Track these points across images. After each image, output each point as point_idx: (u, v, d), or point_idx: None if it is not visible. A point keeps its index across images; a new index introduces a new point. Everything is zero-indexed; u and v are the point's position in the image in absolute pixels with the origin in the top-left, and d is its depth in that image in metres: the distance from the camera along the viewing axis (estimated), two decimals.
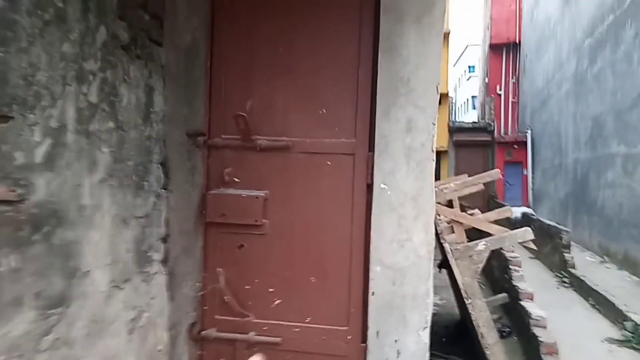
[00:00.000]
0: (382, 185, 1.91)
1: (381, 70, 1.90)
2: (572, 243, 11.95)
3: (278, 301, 2.04)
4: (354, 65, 1.97)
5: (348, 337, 1.98)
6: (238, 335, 2.03)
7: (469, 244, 3.47)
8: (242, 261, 2.06)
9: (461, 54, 42.72)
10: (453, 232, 3.67)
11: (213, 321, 2.07)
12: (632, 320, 5.51)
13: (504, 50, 22.09)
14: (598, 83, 10.38)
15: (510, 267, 5.31)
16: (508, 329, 5.16)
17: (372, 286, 1.92)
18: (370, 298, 1.92)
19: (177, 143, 1.93)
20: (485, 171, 16.48)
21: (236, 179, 2.03)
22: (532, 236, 3.39)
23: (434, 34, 1.86)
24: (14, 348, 1.05)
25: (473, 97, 36.71)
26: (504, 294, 5.41)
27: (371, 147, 1.94)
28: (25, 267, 1.07)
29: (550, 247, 9.39)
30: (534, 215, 11.48)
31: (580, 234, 11.54)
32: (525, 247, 4.28)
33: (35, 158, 1.10)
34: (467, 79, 39.73)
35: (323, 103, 2.01)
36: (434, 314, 5.74)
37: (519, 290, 4.88)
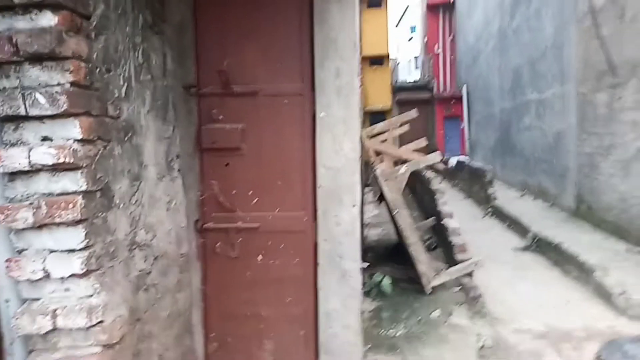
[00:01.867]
0: (322, 114, 2.86)
1: (316, 34, 2.81)
2: (500, 183, 13.56)
3: (256, 199, 2.97)
4: (298, 31, 2.86)
5: (305, 219, 2.96)
6: (229, 225, 2.96)
7: (393, 168, 4.52)
8: (228, 174, 2.96)
9: (402, 15, 43.63)
10: (382, 162, 4.70)
11: (211, 217, 2.98)
12: (532, 232, 6.88)
13: (440, 10, 23.20)
14: (517, 37, 11.65)
15: (435, 196, 6.48)
16: (435, 244, 6.38)
17: (319, 182, 2.89)
18: (318, 190, 2.90)
19: (179, 93, 2.77)
20: (425, 127, 17.79)
21: (221, 117, 2.91)
22: (440, 158, 4.48)
23: (349, 7, 2.78)
24: (121, 199, 1.92)
25: (416, 57, 38.04)
26: (432, 217, 6.62)
27: (313, 88, 2.87)
28: (124, 154, 1.94)
29: (478, 186, 10.77)
30: (464, 161, 12.92)
31: (507, 174, 13.08)
32: (435, 170, 5.37)
33: (122, 94, 1.95)
34: (410, 39, 40.92)
35: (279, 59, 2.90)
36: (376, 240, 6.94)
37: (442, 211, 6.04)
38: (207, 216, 2.98)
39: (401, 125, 5.00)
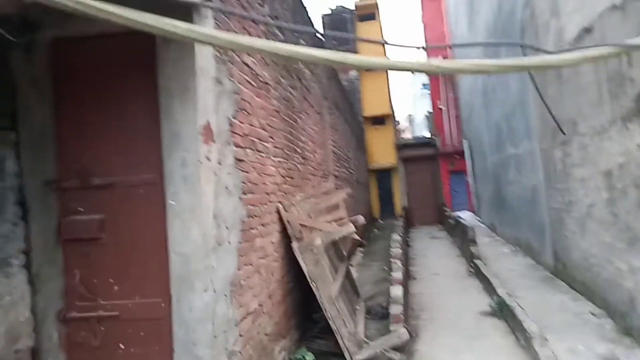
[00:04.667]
0: (171, 202, 2.97)
1: (163, 128, 2.99)
2: (498, 238, 13.18)
3: (116, 287, 3.04)
4: (148, 125, 3.04)
5: (162, 305, 2.99)
6: (91, 314, 3.02)
7: (308, 240, 4.53)
8: (91, 264, 3.06)
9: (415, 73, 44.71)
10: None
11: (74, 307, 3.05)
12: (499, 296, 6.60)
13: None
14: (495, 94, 11.75)
15: (390, 260, 6.38)
16: (387, 312, 6.18)
17: (171, 268, 2.95)
18: (171, 276, 2.95)
19: (36, 189, 2.96)
20: (432, 182, 17.65)
21: (80, 209, 3.06)
22: (353, 229, 4.47)
23: (190, 104, 2.95)
24: None
25: (430, 112, 38.40)
26: (388, 285, 6.47)
27: (164, 178, 3.00)
28: None
29: (466, 243, 10.51)
30: (460, 218, 12.71)
31: (503, 229, 12.72)
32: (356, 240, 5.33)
33: None
34: (422, 96, 41.57)
35: (133, 152, 3.07)
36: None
37: (392, 277, 5.93)
38: (71, 306, 3.06)
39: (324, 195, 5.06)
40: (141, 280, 3.03)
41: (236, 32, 3.80)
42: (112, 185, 3.06)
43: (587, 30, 5.19)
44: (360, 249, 12.68)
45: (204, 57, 3.10)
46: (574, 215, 6.48)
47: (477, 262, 9.25)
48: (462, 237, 11.79)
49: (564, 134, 6.35)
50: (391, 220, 19.69)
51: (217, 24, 3.36)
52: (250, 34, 4.26)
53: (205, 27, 2.80)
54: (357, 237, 4.62)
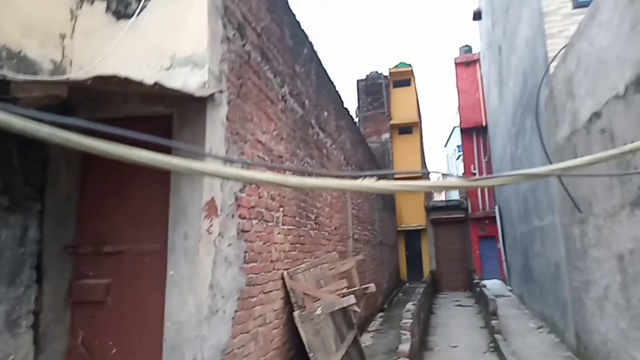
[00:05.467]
0: (171, 272, 3.20)
1: (171, 204, 3.28)
2: (526, 311, 12.74)
3: (114, 350, 3.25)
4: (159, 201, 3.35)
5: None
6: None
7: (309, 309, 4.62)
8: (94, 326, 3.30)
9: (450, 135, 45.01)
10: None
11: None
12: None
13: (474, 133, 23.80)
14: (521, 165, 11.73)
15: (401, 331, 6.32)
16: None
17: (165, 335, 3.14)
18: (164, 343, 3.13)
19: (54, 253, 3.27)
20: (462, 246, 17.34)
21: (90, 273, 3.34)
22: (353, 301, 4.54)
23: (198, 183, 3.25)
24: None
25: (463, 174, 38.12)
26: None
27: (167, 249, 3.25)
28: None
29: (489, 315, 10.20)
30: (484, 287, 12.38)
31: (531, 302, 12.31)
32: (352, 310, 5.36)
33: None
34: (457, 158, 41.56)
35: (146, 224, 3.37)
36: None
37: (399, 350, 5.87)
38: None
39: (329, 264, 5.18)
40: (137, 344, 3.23)
41: (250, 114, 4.15)
42: (121, 252, 3.34)
43: (597, 115, 5.30)
44: (381, 313, 12.48)
45: (215, 138, 3.42)
46: (592, 296, 6.28)
47: (497, 337, 8.95)
48: (485, 308, 11.44)
49: (580, 211, 6.31)
50: (418, 283, 19.27)
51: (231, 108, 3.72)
52: (266, 113, 4.62)
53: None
54: (356, 308, 4.70)
